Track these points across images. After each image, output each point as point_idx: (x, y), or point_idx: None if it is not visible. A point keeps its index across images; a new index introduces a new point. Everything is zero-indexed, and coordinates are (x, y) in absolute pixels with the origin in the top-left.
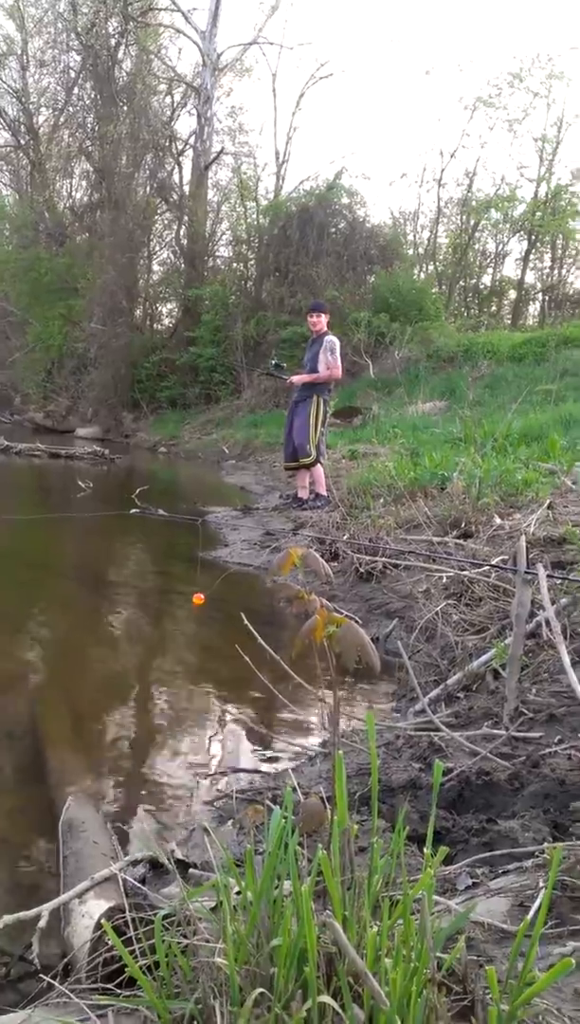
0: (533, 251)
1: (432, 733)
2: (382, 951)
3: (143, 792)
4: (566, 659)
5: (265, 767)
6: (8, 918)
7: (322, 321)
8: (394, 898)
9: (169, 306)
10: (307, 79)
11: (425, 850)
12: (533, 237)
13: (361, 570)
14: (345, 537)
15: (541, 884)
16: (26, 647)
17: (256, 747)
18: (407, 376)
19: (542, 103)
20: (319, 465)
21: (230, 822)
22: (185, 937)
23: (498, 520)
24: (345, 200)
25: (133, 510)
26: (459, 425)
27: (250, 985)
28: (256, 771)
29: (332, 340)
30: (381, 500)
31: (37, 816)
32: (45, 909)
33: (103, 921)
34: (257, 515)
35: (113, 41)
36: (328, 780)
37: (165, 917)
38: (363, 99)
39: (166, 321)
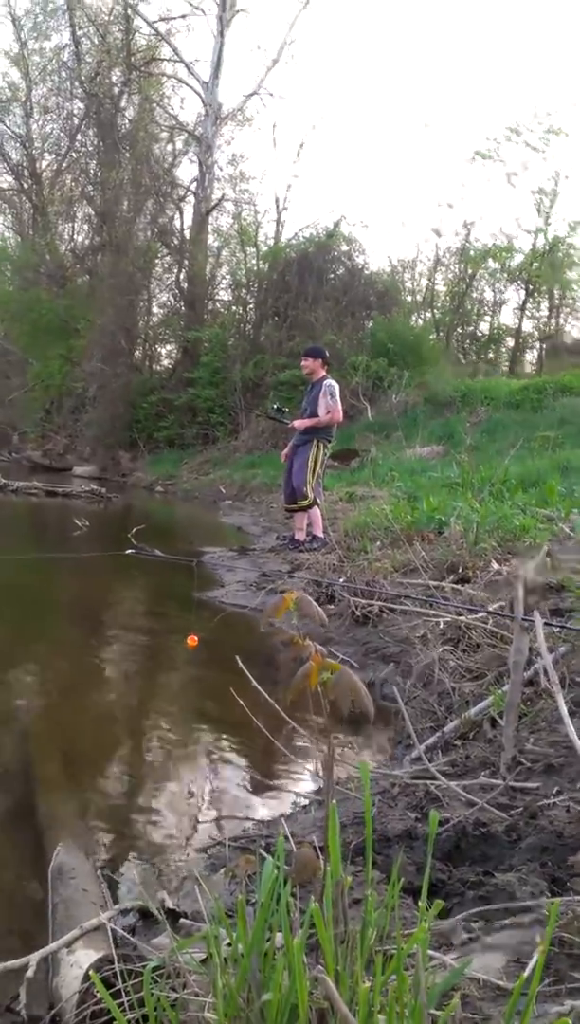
0: (530, 300)
1: (428, 782)
2: (375, 1007)
3: (134, 838)
4: (563, 709)
5: (259, 814)
6: None
7: (312, 365)
8: (388, 953)
9: (168, 347)
10: (307, 130)
11: (420, 903)
12: (530, 287)
13: (357, 613)
14: (342, 580)
15: (538, 940)
16: (18, 688)
17: (250, 793)
18: (405, 420)
19: (539, 157)
20: (316, 507)
21: (222, 871)
22: (174, 990)
23: (495, 565)
24: (344, 247)
25: (129, 550)
26: (456, 470)
27: None
28: (249, 818)
29: (331, 384)
30: (378, 543)
31: (27, 861)
32: (33, 959)
33: (91, 973)
34: (253, 556)
35: (116, 90)
36: (322, 828)
37: (155, 969)
38: (362, 148)
39: (165, 362)
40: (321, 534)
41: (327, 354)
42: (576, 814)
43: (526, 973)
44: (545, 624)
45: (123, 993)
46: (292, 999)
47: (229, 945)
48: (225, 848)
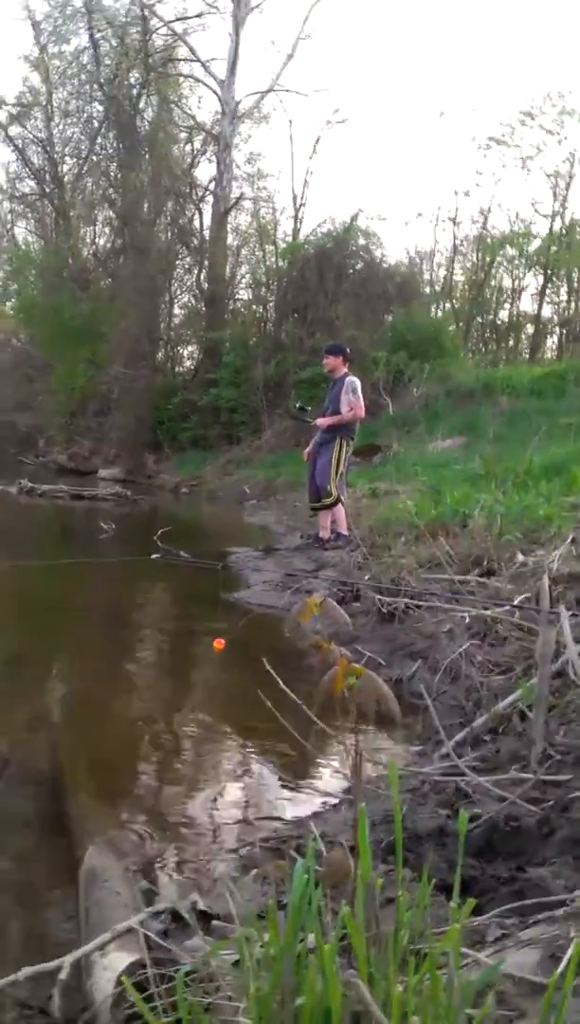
0: (549, 285)
1: (458, 778)
2: (409, 1009)
3: (166, 840)
4: None
5: (289, 815)
6: (28, 970)
7: (333, 363)
8: (422, 953)
9: (190, 348)
10: (323, 124)
11: (452, 903)
12: (549, 272)
13: (383, 611)
14: (367, 578)
15: (573, 934)
16: (48, 692)
17: (280, 794)
18: (426, 413)
19: (554, 140)
20: (340, 505)
21: (253, 872)
22: (207, 994)
23: (521, 557)
24: (362, 241)
25: (153, 555)
26: (479, 461)
27: None
28: (280, 819)
29: (353, 380)
30: (402, 539)
31: (58, 865)
32: (66, 961)
33: (123, 979)
34: (279, 556)
35: (135, 91)
36: (353, 828)
37: (188, 973)
38: (378, 141)
39: (187, 363)
40: (346, 532)
41: (348, 351)
42: None
43: (560, 968)
44: (571, 615)
45: (156, 997)
46: (325, 1003)
47: (262, 947)
48: (256, 849)
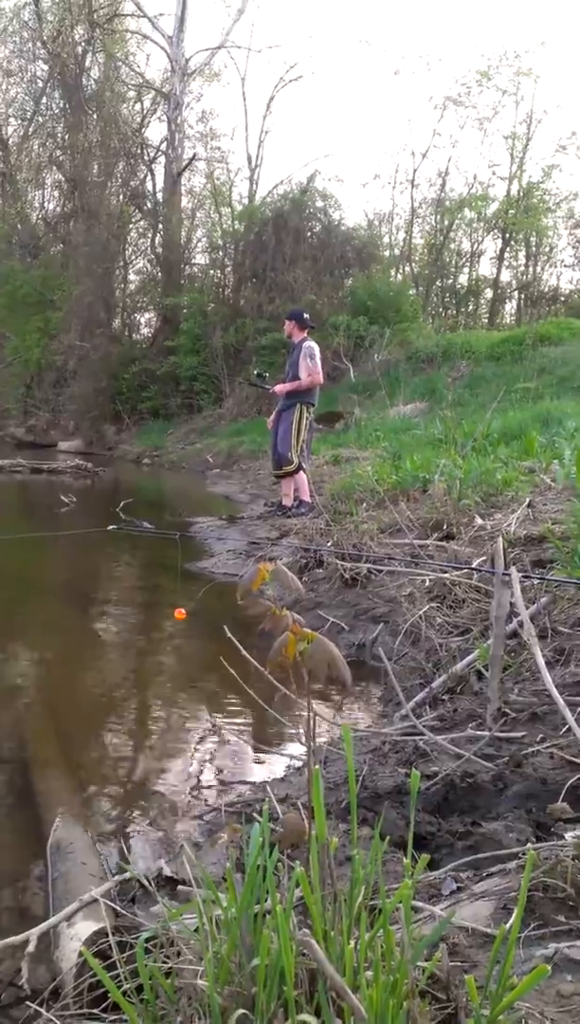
0: (508, 249)
1: (417, 738)
2: (362, 964)
3: (132, 809)
4: (540, 660)
5: (254, 779)
6: None
7: (289, 328)
8: (378, 909)
9: (147, 316)
10: (276, 82)
11: (406, 859)
12: (507, 235)
13: (346, 576)
14: (329, 544)
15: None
16: (10, 666)
17: (244, 759)
18: (387, 379)
19: (511, 100)
20: (302, 472)
21: (217, 837)
22: (168, 959)
23: (479, 520)
24: (319, 203)
25: (111, 526)
26: (440, 426)
27: (233, 1006)
28: (244, 782)
29: (310, 346)
30: (364, 505)
31: (26, 838)
32: (33, 934)
33: (83, 948)
34: (242, 524)
35: (80, 49)
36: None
37: (149, 939)
38: (334, 100)
39: (145, 331)
40: (308, 499)
41: (305, 315)
42: (559, 760)
43: (510, 922)
44: (525, 577)
45: (119, 964)
46: (281, 963)
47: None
48: (221, 814)
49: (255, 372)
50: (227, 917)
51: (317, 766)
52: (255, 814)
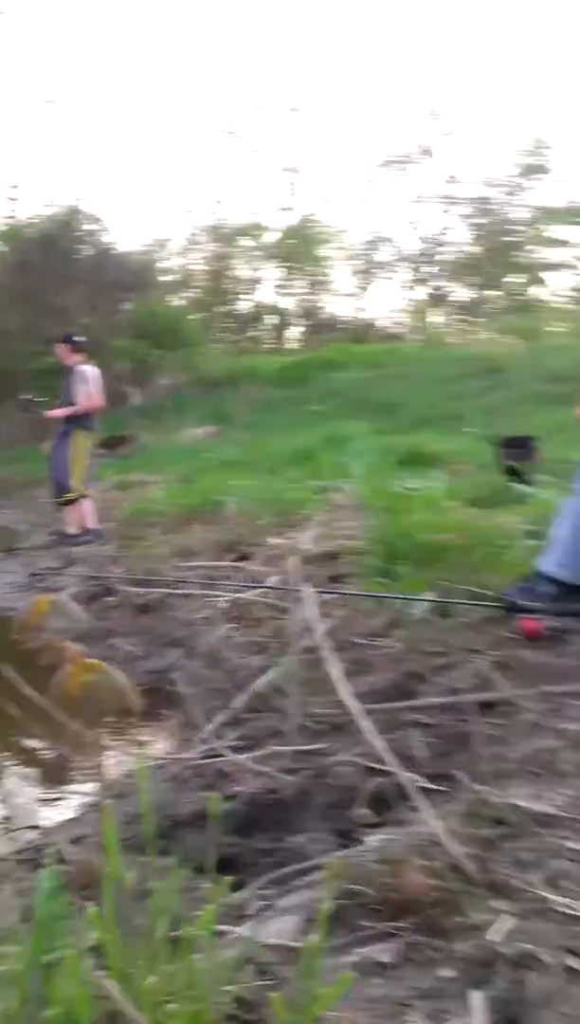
0: (287, 277)
1: (218, 759)
2: (164, 997)
3: None
4: (335, 672)
5: (46, 821)
6: None
7: (59, 351)
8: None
9: None
10: (38, 102)
11: (206, 884)
12: (287, 264)
13: (139, 603)
14: (120, 571)
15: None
16: None
17: (35, 802)
18: (175, 403)
19: (285, 134)
20: (86, 499)
21: (4, 887)
22: None
23: (273, 540)
24: (89, 227)
25: None
26: (233, 449)
27: None
28: (35, 827)
29: (83, 370)
30: (156, 529)
31: None
32: None
33: None
34: (23, 555)
35: None
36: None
37: None
38: (105, 124)
39: None
40: (94, 526)
41: (77, 339)
42: (360, 768)
43: (315, 934)
44: (321, 592)
45: None
46: (73, 1010)
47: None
48: (10, 863)
49: (24, 397)
50: (14, 971)
51: (110, 800)
52: (47, 860)
